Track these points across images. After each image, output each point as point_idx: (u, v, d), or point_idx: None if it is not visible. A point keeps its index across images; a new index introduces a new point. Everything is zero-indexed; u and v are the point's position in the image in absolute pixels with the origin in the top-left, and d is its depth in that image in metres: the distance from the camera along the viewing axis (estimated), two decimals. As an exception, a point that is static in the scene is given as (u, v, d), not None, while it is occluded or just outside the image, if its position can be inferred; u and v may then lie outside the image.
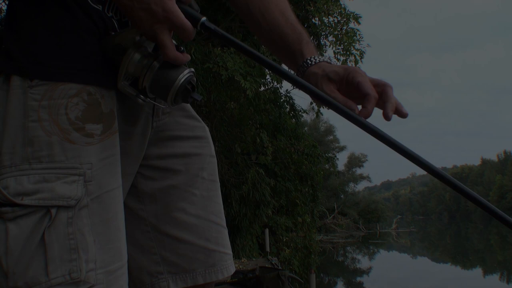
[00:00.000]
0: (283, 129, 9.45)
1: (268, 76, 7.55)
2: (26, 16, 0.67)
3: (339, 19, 7.09)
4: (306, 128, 18.88)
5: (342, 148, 33.07)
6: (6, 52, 0.65)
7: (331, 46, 7.16)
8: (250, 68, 6.77)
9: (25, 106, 0.63)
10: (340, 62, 7.28)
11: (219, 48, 6.77)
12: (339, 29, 6.97)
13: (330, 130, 34.31)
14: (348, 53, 6.97)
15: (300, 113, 9.43)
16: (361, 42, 7.09)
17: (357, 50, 7.03)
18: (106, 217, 0.66)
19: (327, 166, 12.78)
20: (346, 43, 6.84)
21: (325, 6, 6.76)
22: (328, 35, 7.24)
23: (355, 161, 38.89)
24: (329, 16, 6.96)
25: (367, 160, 39.68)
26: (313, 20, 7.20)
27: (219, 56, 6.60)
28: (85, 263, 0.63)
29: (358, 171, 39.06)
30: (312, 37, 8.08)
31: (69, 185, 0.63)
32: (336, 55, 7.21)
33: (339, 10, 7.00)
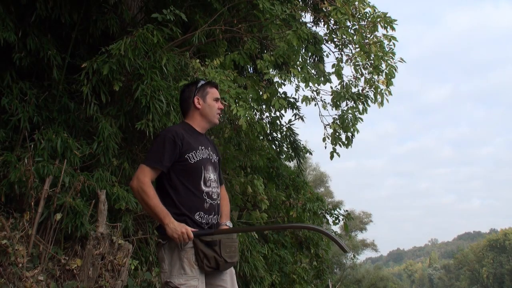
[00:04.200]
0: (278, 176, 9.69)
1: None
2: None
3: (364, 23, 7.54)
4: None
5: (337, 205, 33.13)
6: None
7: (353, 59, 7.56)
8: (242, 90, 7.03)
9: None
10: (363, 81, 7.67)
11: (198, 61, 7.02)
12: (365, 36, 7.37)
13: (321, 179, 34.85)
14: (377, 71, 7.38)
15: (303, 153, 9.72)
16: (393, 56, 7.57)
17: (388, 66, 7.47)
18: None
19: (334, 229, 13.02)
20: (374, 57, 7.25)
21: (346, 6, 7.19)
22: (349, 44, 7.66)
23: (356, 222, 39.12)
24: (352, 19, 7.36)
25: (371, 221, 39.90)
26: (330, 24, 7.61)
27: (200, 71, 6.85)
28: None
29: (360, 236, 39.26)
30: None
31: None
32: (359, 71, 7.61)
33: (366, 10, 7.43)
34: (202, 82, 3.22)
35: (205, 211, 2.96)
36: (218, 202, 3.09)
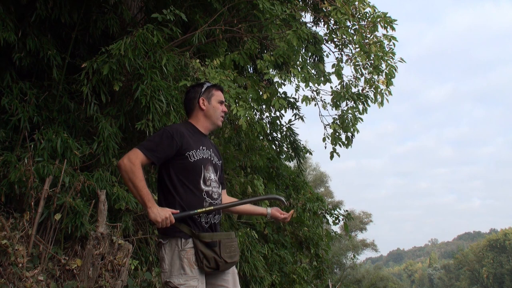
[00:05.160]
0: (278, 176, 9.70)
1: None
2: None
3: (364, 23, 7.54)
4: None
5: (337, 205, 32.86)
6: None
7: (353, 59, 7.56)
8: (242, 90, 7.03)
9: None
10: (363, 81, 7.67)
11: (198, 61, 7.02)
12: (365, 36, 7.37)
13: (321, 179, 34.86)
14: (377, 71, 7.38)
15: (303, 153, 9.72)
16: (393, 56, 7.57)
17: (388, 66, 7.46)
18: None
19: (334, 229, 13.02)
20: (374, 57, 7.25)
21: (346, 6, 7.19)
22: (349, 44, 7.66)
23: (356, 222, 39.04)
24: (352, 19, 7.36)
25: (371, 221, 39.89)
26: (330, 24, 7.61)
27: (200, 71, 6.85)
28: None
29: (360, 236, 39.26)
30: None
31: None
32: (359, 71, 7.61)
33: (366, 10, 7.43)
34: (208, 84, 3.25)
35: None
36: (219, 202, 3.09)
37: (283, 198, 3.29)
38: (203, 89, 3.20)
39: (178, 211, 2.87)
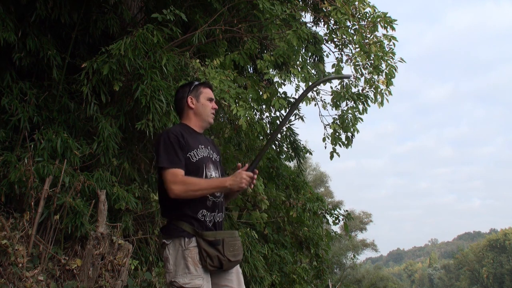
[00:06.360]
0: (278, 176, 9.69)
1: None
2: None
3: (364, 23, 7.54)
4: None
5: (337, 205, 32.88)
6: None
7: (353, 59, 7.56)
8: (242, 90, 7.04)
9: None
10: (363, 81, 7.68)
11: (198, 61, 7.02)
12: (365, 36, 7.37)
13: (321, 179, 34.84)
14: (377, 71, 7.39)
15: (303, 153, 9.72)
16: (393, 56, 7.57)
17: (388, 66, 7.47)
18: None
19: (334, 229, 13.03)
20: (374, 57, 7.25)
21: (346, 6, 7.19)
22: (349, 44, 7.66)
23: (356, 222, 38.99)
24: (352, 19, 7.37)
25: (371, 221, 39.87)
26: (330, 24, 7.62)
27: (200, 71, 6.85)
28: None
29: (360, 236, 39.23)
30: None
31: None
32: (359, 71, 7.61)
33: (366, 10, 7.44)
34: (196, 83, 3.25)
35: (208, 208, 2.96)
36: (222, 200, 3.09)
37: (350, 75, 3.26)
38: (191, 88, 3.19)
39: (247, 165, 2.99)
